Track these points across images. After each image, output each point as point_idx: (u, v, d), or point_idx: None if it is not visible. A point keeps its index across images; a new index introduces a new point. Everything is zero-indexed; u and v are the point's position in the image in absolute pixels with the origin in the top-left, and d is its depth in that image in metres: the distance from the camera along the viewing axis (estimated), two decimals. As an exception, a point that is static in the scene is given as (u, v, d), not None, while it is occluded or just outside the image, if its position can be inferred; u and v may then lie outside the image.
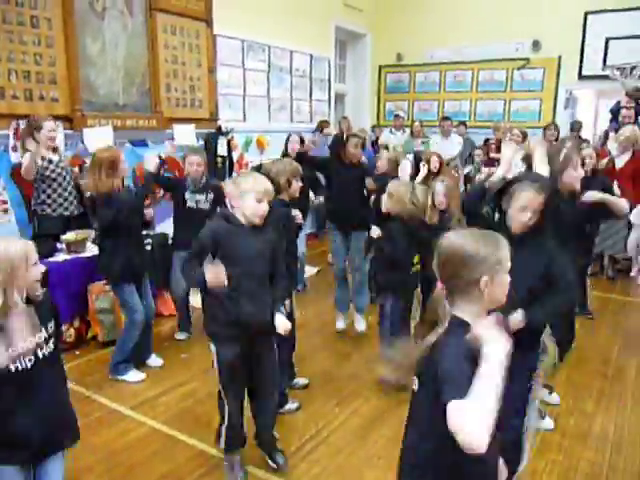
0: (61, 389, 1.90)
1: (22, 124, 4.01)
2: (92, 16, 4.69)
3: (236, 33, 6.19)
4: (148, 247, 4.37)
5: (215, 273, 2.25)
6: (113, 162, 3.19)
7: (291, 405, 3.14)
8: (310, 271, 5.72)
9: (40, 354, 1.77)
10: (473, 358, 1.26)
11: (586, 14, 7.05)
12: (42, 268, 1.79)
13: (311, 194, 5.23)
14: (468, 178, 4.53)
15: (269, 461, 2.61)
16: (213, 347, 2.42)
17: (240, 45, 6.33)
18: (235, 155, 6.26)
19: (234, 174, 6.22)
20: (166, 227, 5.24)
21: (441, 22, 8.06)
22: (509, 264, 1.41)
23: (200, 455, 2.68)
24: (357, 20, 8.37)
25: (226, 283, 2.25)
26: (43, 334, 1.79)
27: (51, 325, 1.83)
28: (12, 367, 1.70)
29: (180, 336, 4.17)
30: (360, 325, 4.23)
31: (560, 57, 7.36)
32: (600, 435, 2.91)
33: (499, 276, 1.38)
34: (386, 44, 8.65)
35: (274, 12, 6.62)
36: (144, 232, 4.44)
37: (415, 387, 1.46)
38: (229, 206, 2.51)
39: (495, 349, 1.24)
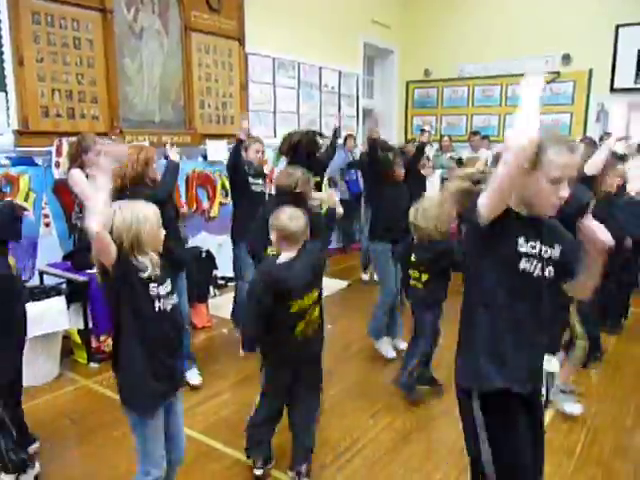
0: None
1: (65, 141, 4.15)
2: (131, 37, 4.85)
3: (267, 51, 6.32)
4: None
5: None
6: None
7: None
8: (340, 285, 5.74)
9: (170, 304, 1.98)
10: None
11: (617, 27, 7.01)
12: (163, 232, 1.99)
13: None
14: None
15: None
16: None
17: (271, 62, 6.45)
18: (266, 169, 6.36)
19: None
20: (198, 241, 5.36)
21: (469, 37, 8.09)
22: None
23: (237, 464, 2.72)
24: (385, 36, 8.46)
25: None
26: (167, 287, 1.98)
27: (169, 282, 2.02)
28: (156, 306, 1.92)
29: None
30: (404, 344, 3.91)
31: (591, 70, 7.31)
32: (640, 451, 2.87)
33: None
34: (414, 60, 8.71)
35: (304, 29, 6.75)
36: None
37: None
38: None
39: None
